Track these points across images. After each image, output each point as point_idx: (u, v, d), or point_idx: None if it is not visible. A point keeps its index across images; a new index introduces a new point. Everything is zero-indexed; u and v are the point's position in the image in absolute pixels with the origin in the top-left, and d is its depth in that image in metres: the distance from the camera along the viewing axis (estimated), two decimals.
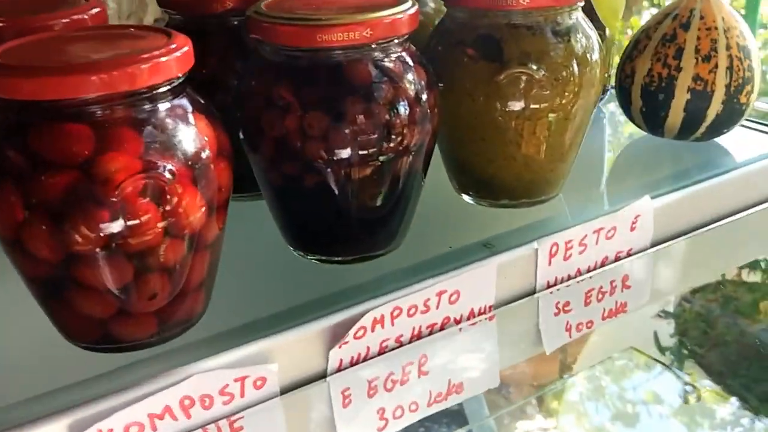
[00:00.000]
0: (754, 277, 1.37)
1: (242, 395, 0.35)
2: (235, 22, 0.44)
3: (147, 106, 0.32)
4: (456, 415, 0.73)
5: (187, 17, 0.45)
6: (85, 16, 0.40)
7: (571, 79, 0.43)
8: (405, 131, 0.38)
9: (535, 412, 1.18)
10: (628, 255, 0.47)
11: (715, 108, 0.51)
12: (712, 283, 0.92)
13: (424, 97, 0.39)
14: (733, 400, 1.09)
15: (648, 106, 0.52)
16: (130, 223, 0.31)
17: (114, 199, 0.30)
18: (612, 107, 0.63)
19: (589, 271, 0.46)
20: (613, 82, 0.57)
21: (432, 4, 0.54)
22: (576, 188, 0.50)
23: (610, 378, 1.23)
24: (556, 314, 0.45)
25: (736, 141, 0.55)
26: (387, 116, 0.38)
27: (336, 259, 0.42)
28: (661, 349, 1.25)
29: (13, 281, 0.34)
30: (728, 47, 0.50)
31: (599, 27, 0.57)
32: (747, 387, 1.16)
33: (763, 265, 1.30)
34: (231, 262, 0.39)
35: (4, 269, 0.34)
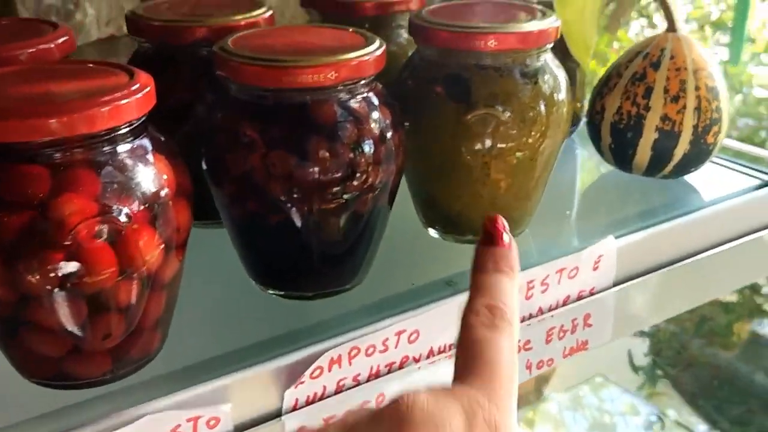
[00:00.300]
0: (731, 297, 1.38)
1: None
2: (205, 52, 0.44)
3: (106, 148, 0.32)
4: None
5: (157, 45, 0.44)
6: (52, 46, 0.40)
7: (538, 119, 0.43)
8: (369, 170, 0.39)
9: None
10: (591, 294, 0.47)
11: (682, 148, 0.51)
12: None
13: (389, 136, 0.40)
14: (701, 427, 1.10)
15: (617, 143, 0.53)
16: (84, 264, 0.31)
17: (68, 242, 0.30)
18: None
19: (550, 309, 0.46)
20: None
21: (406, 35, 0.54)
22: (544, 223, 0.50)
23: (589, 388, 1.24)
24: (516, 352, 0.45)
25: (705, 179, 0.56)
26: (351, 156, 0.38)
27: (298, 294, 0.42)
28: (635, 369, 1.26)
29: None
30: (697, 88, 0.50)
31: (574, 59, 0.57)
32: (719, 409, 1.17)
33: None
34: (191, 293, 0.39)
35: None
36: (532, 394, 1.26)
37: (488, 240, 0.34)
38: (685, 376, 1.21)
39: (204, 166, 0.40)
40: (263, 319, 0.41)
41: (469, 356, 0.29)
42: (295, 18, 0.82)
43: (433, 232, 0.48)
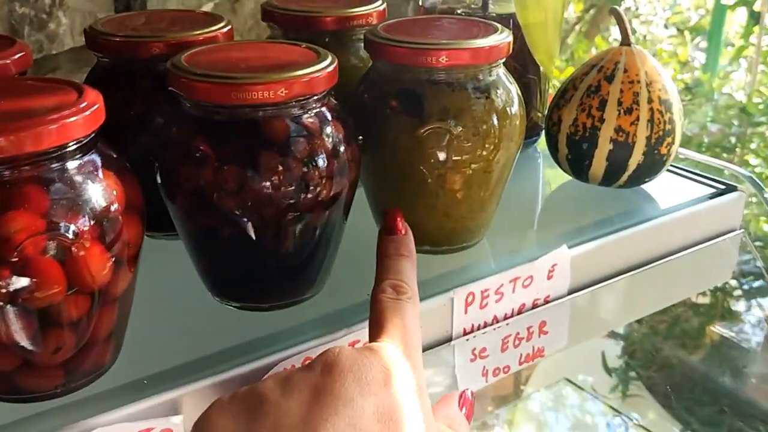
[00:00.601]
0: (703, 300, 1.40)
1: None
2: (163, 68, 0.44)
3: (54, 165, 0.32)
4: None
5: (115, 61, 0.45)
6: (8, 62, 0.40)
7: (491, 132, 0.44)
8: (322, 184, 0.39)
9: (495, 422, 1.20)
10: (546, 302, 0.48)
11: (636, 159, 0.52)
12: None
13: (342, 150, 0.40)
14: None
15: (573, 154, 0.54)
16: (32, 280, 0.31)
17: (15, 259, 0.31)
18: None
19: (506, 318, 0.47)
20: None
21: None
22: (503, 232, 0.51)
23: (571, 388, 1.25)
24: (472, 360, 0.46)
25: (661, 188, 0.57)
26: (303, 170, 0.38)
27: (254, 306, 0.43)
28: (608, 371, 1.27)
29: None
30: (650, 100, 0.52)
31: (536, 68, 0.59)
32: (690, 410, 1.19)
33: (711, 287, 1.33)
34: (147, 305, 0.39)
35: None
36: (510, 395, 1.27)
37: (389, 230, 0.41)
38: (657, 377, 1.23)
39: (159, 180, 0.40)
40: (218, 331, 0.42)
41: (380, 323, 0.35)
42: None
43: None
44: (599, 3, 2.10)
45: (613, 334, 1.32)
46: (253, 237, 0.39)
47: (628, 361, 1.23)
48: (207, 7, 0.83)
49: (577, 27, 2.12)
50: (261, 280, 0.42)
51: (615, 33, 2.14)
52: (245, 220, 0.39)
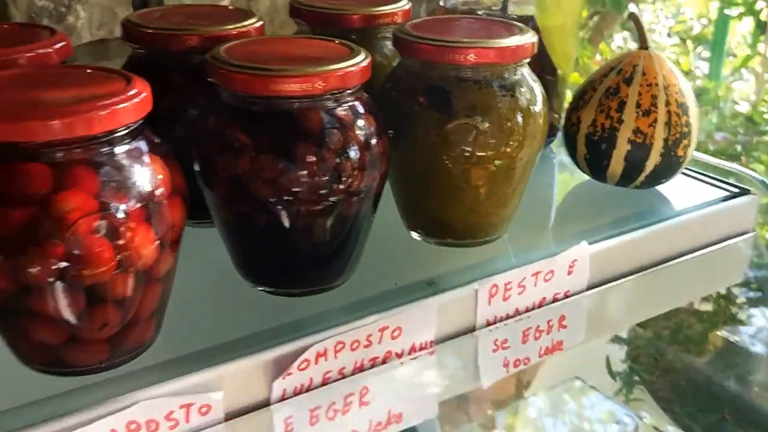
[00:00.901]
0: (707, 306, 1.41)
1: (187, 421, 0.37)
2: (197, 60, 0.46)
3: (104, 149, 0.34)
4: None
5: (151, 52, 0.46)
6: (50, 50, 0.42)
7: (515, 129, 0.45)
8: (353, 176, 0.41)
9: (493, 427, 1.21)
10: (565, 297, 0.49)
11: (653, 160, 0.54)
12: None
13: (374, 143, 0.42)
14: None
15: (591, 154, 0.55)
16: (83, 258, 0.33)
17: (68, 237, 0.32)
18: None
19: (527, 311, 0.48)
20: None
21: (392, 47, 0.56)
22: (522, 228, 0.52)
23: (569, 395, 1.26)
24: (494, 351, 0.47)
25: (676, 189, 0.58)
26: (336, 161, 0.40)
27: (286, 291, 0.44)
28: (612, 375, 1.28)
29: None
30: (667, 103, 0.53)
31: (553, 70, 0.60)
32: (693, 416, 1.20)
33: (714, 295, 1.34)
34: (185, 288, 0.41)
35: None
36: (512, 398, 1.28)
37: None
38: (661, 382, 1.24)
39: (196, 168, 0.42)
40: (252, 314, 0.43)
41: None
42: (284, 25, 0.84)
43: (415, 235, 0.50)
44: (603, 10, 2.12)
45: (617, 339, 1.33)
46: (287, 225, 0.41)
47: (632, 365, 1.24)
48: (223, 4, 0.85)
49: (581, 33, 2.14)
50: (293, 268, 0.43)
51: (618, 40, 2.16)
52: (280, 208, 0.40)
